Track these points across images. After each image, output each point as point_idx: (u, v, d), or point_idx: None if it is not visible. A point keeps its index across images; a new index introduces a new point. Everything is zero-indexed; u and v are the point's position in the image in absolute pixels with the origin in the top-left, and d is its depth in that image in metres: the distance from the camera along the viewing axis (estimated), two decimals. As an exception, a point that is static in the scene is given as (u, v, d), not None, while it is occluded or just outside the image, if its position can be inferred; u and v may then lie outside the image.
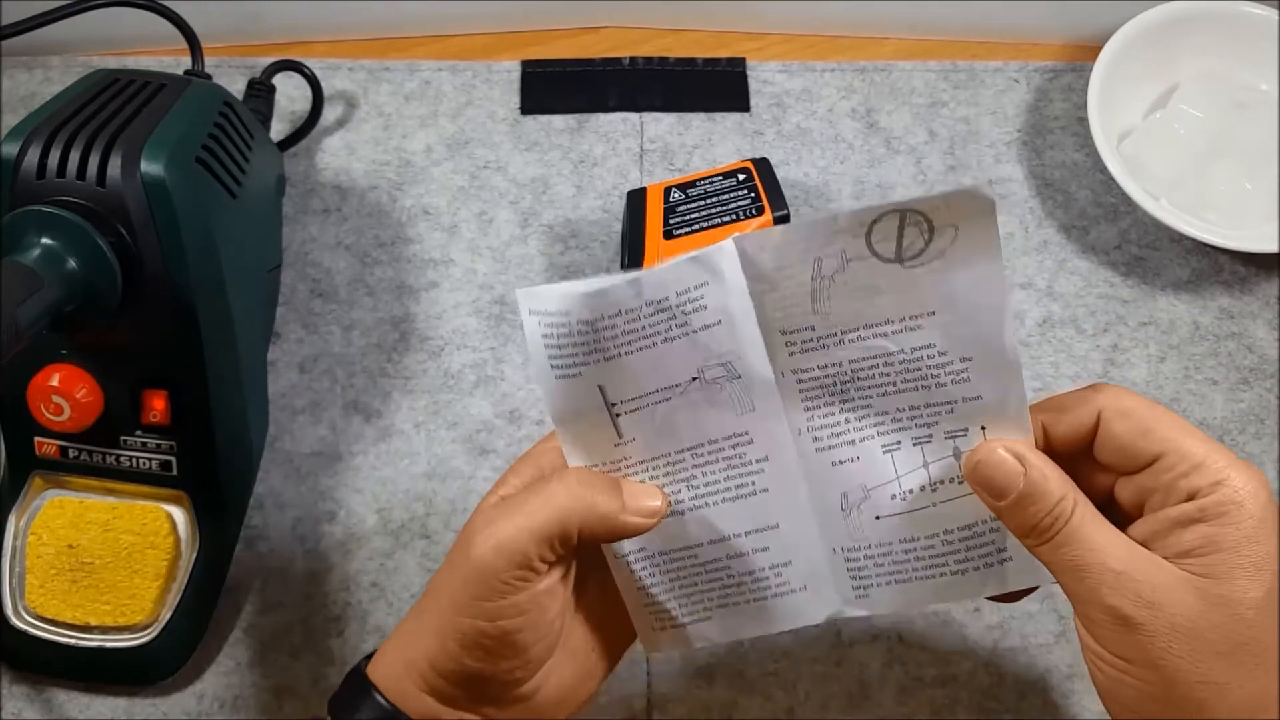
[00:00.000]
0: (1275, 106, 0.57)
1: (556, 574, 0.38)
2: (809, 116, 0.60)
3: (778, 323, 0.38)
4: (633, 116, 0.60)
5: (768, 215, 0.51)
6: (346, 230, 0.58)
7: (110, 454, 0.48)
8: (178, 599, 0.48)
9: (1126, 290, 0.57)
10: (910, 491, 0.40)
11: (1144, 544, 0.35)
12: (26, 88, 0.60)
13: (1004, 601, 0.41)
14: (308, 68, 0.58)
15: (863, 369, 0.39)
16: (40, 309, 0.39)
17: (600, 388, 0.39)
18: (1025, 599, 0.42)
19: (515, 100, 0.61)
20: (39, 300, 0.39)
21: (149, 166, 0.42)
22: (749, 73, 0.61)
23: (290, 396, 0.54)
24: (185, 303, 0.44)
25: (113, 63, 0.61)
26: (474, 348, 0.55)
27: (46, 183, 0.42)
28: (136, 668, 0.48)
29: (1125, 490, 0.37)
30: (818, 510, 0.40)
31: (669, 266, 0.38)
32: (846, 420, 0.39)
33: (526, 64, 0.61)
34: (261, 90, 0.57)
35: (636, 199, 0.53)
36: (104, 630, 0.47)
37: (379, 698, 0.38)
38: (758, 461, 0.40)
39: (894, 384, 0.39)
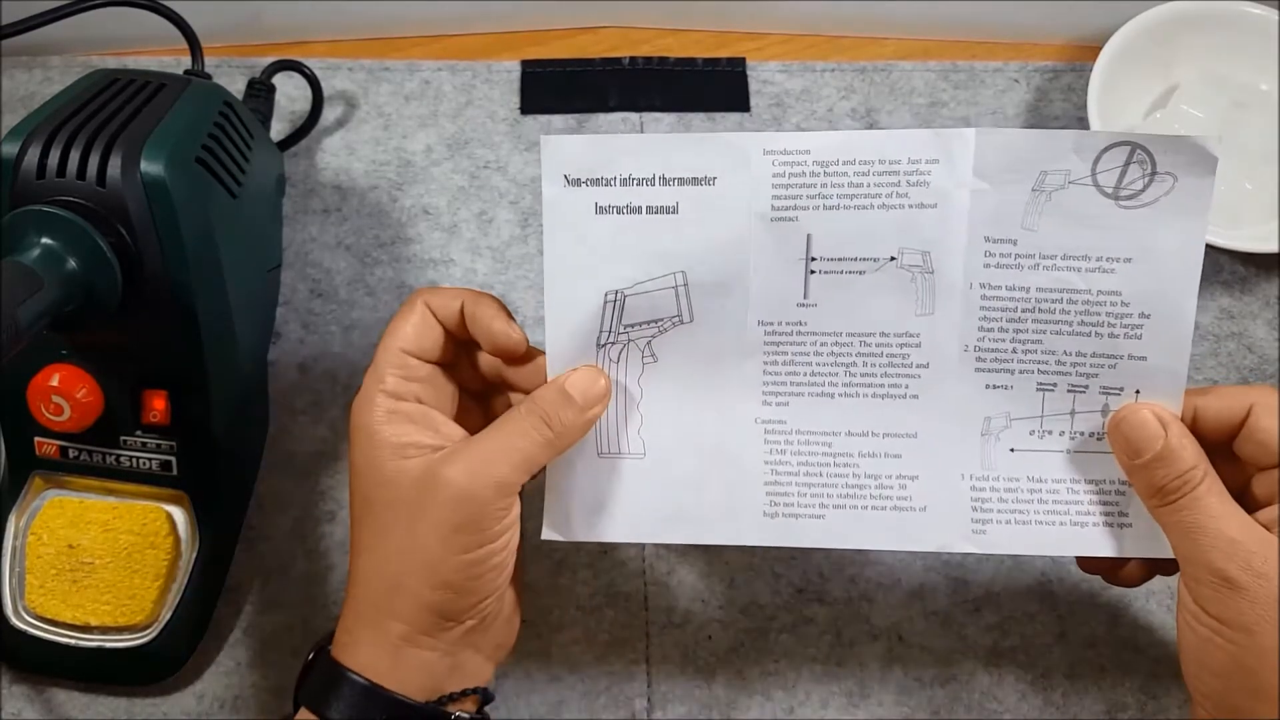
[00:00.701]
0: (1275, 106, 0.57)
1: (519, 503, 0.40)
2: (809, 116, 0.60)
3: (985, 227, 0.40)
4: (633, 116, 0.60)
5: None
6: (346, 230, 0.58)
7: (110, 454, 0.48)
8: (178, 599, 0.48)
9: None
10: (1050, 433, 0.42)
11: (1265, 527, 0.38)
12: (26, 88, 0.60)
13: (1107, 578, 0.44)
14: (308, 68, 0.58)
15: (1046, 301, 0.41)
16: (40, 309, 0.39)
17: (809, 236, 0.41)
18: (1108, 582, 0.44)
19: (515, 100, 0.61)
20: (39, 300, 0.39)
21: (149, 166, 0.42)
22: (749, 73, 0.61)
23: (290, 396, 0.54)
24: (185, 303, 0.44)
25: (113, 63, 0.61)
26: (474, 348, 0.55)
27: (46, 183, 0.42)
28: (136, 668, 0.48)
29: (1260, 484, 0.40)
30: (959, 430, 0.42)
31: (910, 132, 0.40)
32: (1013, 350, 0.41)
33: (526, 64, 0.62)
34: (261, 90, 0.57)
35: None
36: (104, 630, 0.47)
37: (355, 677, 0.39)
38: (918, 366, 0.42)
39: (1070, 324, 0.41)
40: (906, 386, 0.42)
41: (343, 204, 0.58)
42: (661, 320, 0.42)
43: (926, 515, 0.42)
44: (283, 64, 0.58)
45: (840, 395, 0.42)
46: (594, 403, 0.41)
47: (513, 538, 0.40)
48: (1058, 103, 0.61)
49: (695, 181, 0.41)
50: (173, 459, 0.47)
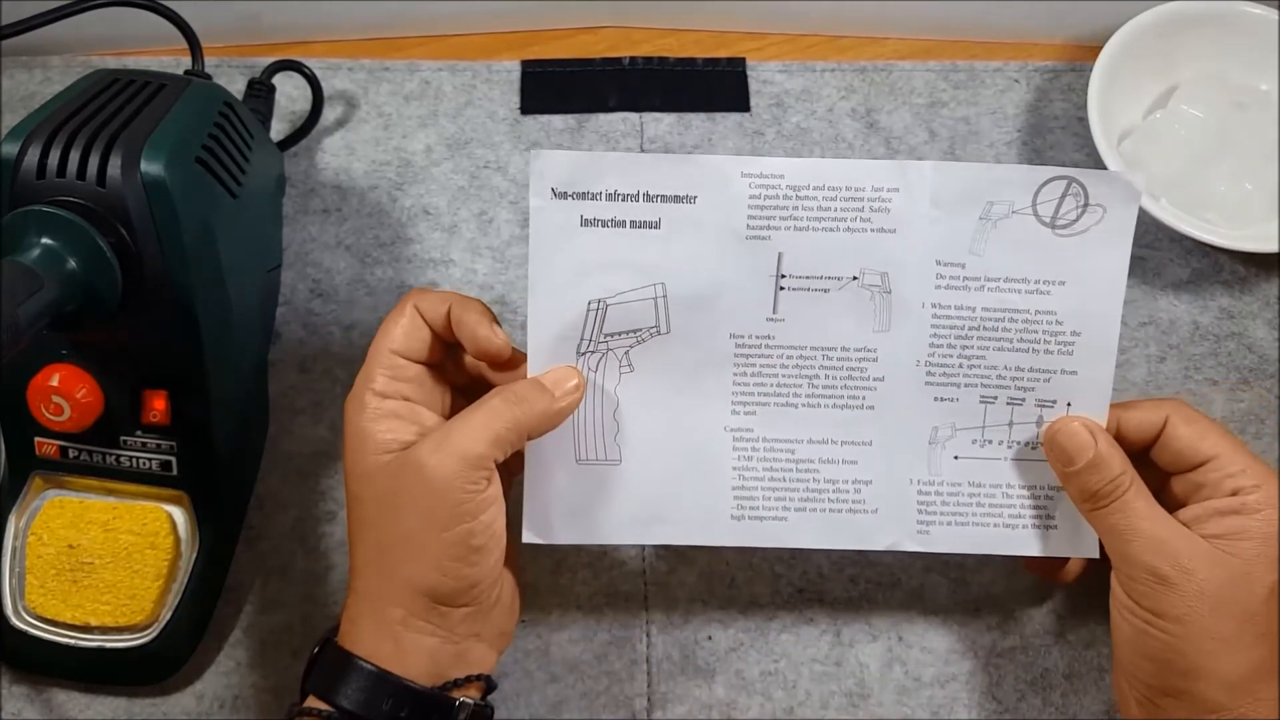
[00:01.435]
0: (1275, 106, 0.57)
1: (497, 481, 0.41)
2: (809, 116, 0.60)
3: (937, 251, 0.44)
4: (633, 116, 0.60)
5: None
6: (346, 230, 0.58)
7: (110, 454, 0.47)
8: (178, 599, 0.48)
9: (1126, 290, 0.57)
10: (990, 442, 0.46)
11: (1185, 525, 0.42)
12: (26, 88, 0.60)
13: (1042, 575, 0.49)
14: (308, 68, 0.58)
15: (990, 320, 0.45)
16: (40, 309, 0.39)
17: (779, 255, 0.44)
18: (1046, 580, 0.48)
19: (515, 100, 0.61)
20: (39, 300, 0.39)
21: (149, 166, 0.42)
22: (749, 73, 0.61)
23: (290, 396, 0.54)
24: (185, 303, 0.44)
25: (113, 63, 0.61)
26: (474, 348, 0.55)
27: (46, 183, 0.42)
28: (136, 668, 0.48)
29: (1177, 485, 0.45)
30: (909, 438, 0.46)
31: (874, 162, 0.44)
32: (960, 365, 0.45)
33: (526, 64, 0.61)
34: (261, 90, 0.57)
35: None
36: (104, 630, 0.47)
37: (363, 664, 0.40)
38: (875, 380, 0.45)
39: (1011, 341, 0.45)
40: (864, 398, 0.45)
41: (343, 204, 0.58)
42: (640, 330, 0.44)
43: (878, 517, 0.46)
44: (283, 64, 0.58)
45: (803, 405, 0.45)
46: (566, 394, 0.43)
47: (494, 519, 0.41)
48: (1058, 103, 0.61)
49: (677, 199, 0.43)
50: (173, 459, 0.47)
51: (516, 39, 0.63)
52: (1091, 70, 0.57)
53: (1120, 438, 0.45)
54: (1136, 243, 0.57)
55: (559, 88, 0.61)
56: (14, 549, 0.48)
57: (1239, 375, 0.56)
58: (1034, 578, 0.51)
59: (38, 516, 0.48)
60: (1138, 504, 0.42)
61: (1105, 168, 0.55)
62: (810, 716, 0.50)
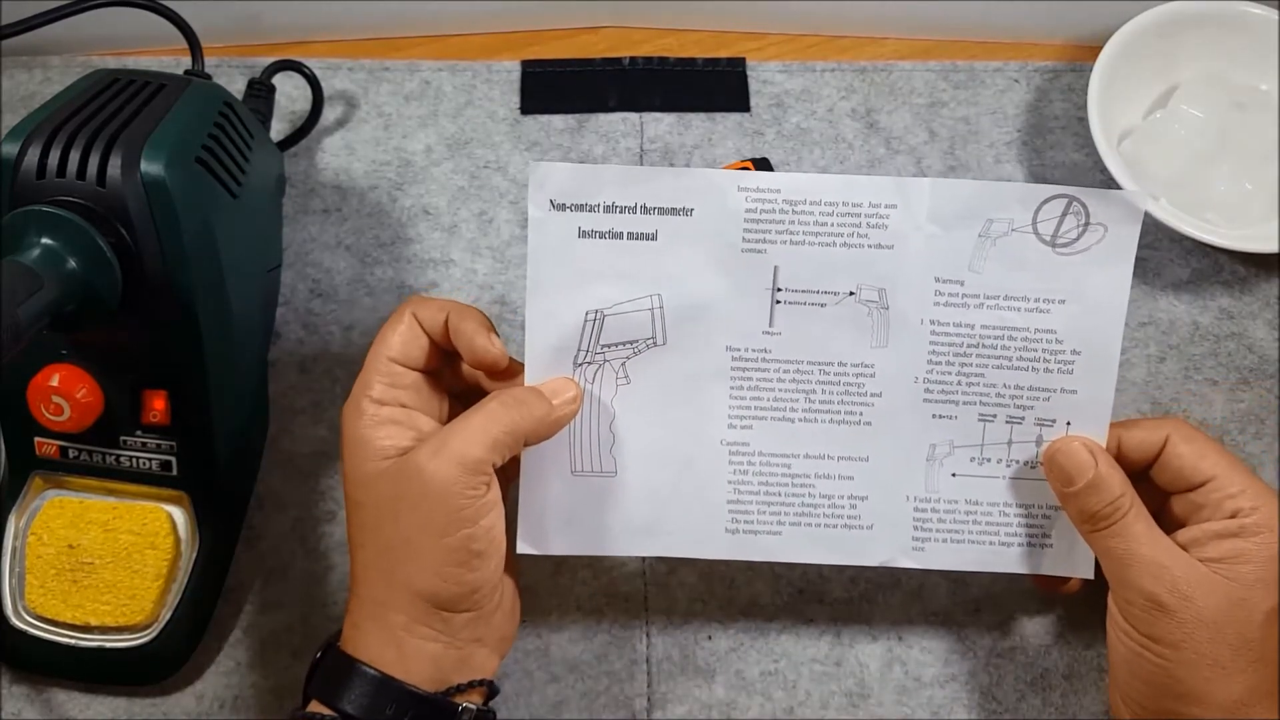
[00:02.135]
0: (1275, 106, 0.57)
1: (496, 486, 0.41)
2: (809, 116, 0.60)
3: (936, 268, 0.44)
4: (633, 116, 0.60)
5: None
6: (346, 230, 0.58)
7: (110, 454, 0.47)
8: (178, 599, 0.48)
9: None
10: (988, 460, 0.45)
11: (1184, 548, 0.42)
12: (26, 88, 0.60)
13: (1046, 590, 0.49)
14: (308, 68, 0.58)
15: (989, 338, 0.44)
16: (40, 309, 0.39)
17: (775, 268, 0.44)
18: (1048, 595, 0.48)
19: (515, 100, 0.61)
20: (39, 300, 0.39)
21: (149, 166, 0.42)
22: (749, 73, 0.61)
23: (290, 396, 0.54)
24: (185, 303, 0.44)
25: (113, 63, 0.61)
26: (474, 348, 0.55)
27: (46, 183, 0.42)
28: (136, 668, 0.48)
29: (1177, 505, 0.44)
30: (906, 455, 0.46)
31: (872, 178, 0.44)
32: (958, 383, 0.45)
33: (526, 64, 0.61)
34: (261, 90, 0.57)
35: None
36: (104, 630, 0.47)
37: (366, 669, 0.40)
38: (872, 395, 0.45)
39: (1010, 359, 0.45)
40: (861, 414, 0.45)
41: (343, 204, 0.58)
42: (636, 342, 0.44)
43: (873, 533, 0.46)
44: (283, 64, 0.58)
45: (800, 420, 0.45)
46: (564, 403, 0.43)
47: (494, 523, 0.41)
48: (1058, 103, 0.61)
49: (674, 212, 0.44)
50: (173, 459, 0.47)
51: (516, 39, 0.63)
52: (1091, 70, 0.57)
53: (1120, 457, 0.44)
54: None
55: (559, 88, 0.61)
56: (14, 549, 0.48)
57: (1239, 375, 0.56)
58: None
59: (38, 516, 0.48)
60: (1137, 527, 0.42)
61: (1105, 168, 0.55)
62: (810, 716, 0.50)
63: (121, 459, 0.48)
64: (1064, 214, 0.43)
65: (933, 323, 0.44)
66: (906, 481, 0.46)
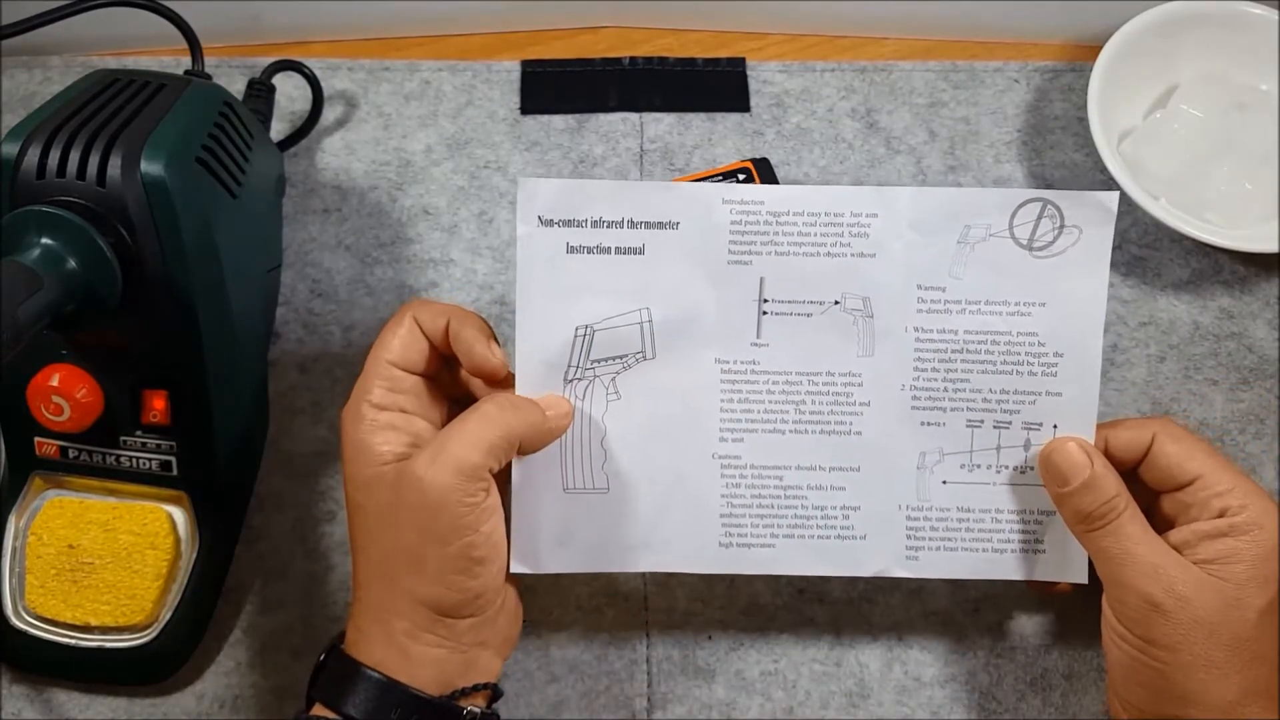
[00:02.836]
0: (1275, 106, 0.57)
1: (495, 491, 0.41)
2: (809, 116, 0.60)
3: (918, 275, 0.44)
4: (633, 116, 0.60)
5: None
6: (346, 230, 0.58)
7: (110, 454, 0.48)
8: (178, 599, 0.48)
9: (1126, 290, 0.57)
10: (978, 466, 0.46)
11: (1175, 549, 0.42)
12: (26, 88, 0.60)
13: (1040, 594, 0.49)
14: (308, 68, 0.58)
15: (972, 342, 0.45)
16: (40, 309, 0.39)
17: (761, 280, 0.44)
18: (1042, 598, 0.47)
19: (515, 100, 0.61)
20: (39, 300, 0.39)
21: (149, 166, 0.42)
22: (749, 73, 0.61)
23: (290, 396, 0.54)
24: (185, 303, 0.44)
25: (113, 63, 0.61)
26: (474, 348, 0.55)
27: (46, 183, 0.42)
28: (136, 668, 0.48)
29: (1166, 504, 0.44)
30: (897, 464, 0.46)
31: (853, 188, 0.45)
32: (945, 389, 0.45)
33: (526, 64, 0.61)
34: (261, 90, 0.57)
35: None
36: (104, 630, 0.47)
37: (371, 672, 0.40)
38: (861, 405, 0.45)
39: (994, 363, 0.45)
40: (850, 423, 0.46)
41: (343, 204, 0.58)
42: (626, 356, 0.45)
43: (866, 543, 0.46)
44: (283, 64, 0.58)
45: (790, 431, 0.45)
46: (557, 416, 0.43)
47: (495, 529, 0.41)
48: (1058, 103, 0.61)
49: (660, 226, 0.44)
50: (173, 459, 0.47)
51: (516, 39, 0.63)
52: (1091, 70, 0.57)
53: (1108, 457, 0.44)
54: (1136, 243, 0.58)
55: (559, 88, 0.61)
56: (14, 549, 0.48)
57: (1239, 375, 0.56)
58: (1034, 578, 0.51)
59: (38, 516, 0.48)
60: (1131, 528, 0.42)
61: (1105, 168, 0.55)
62: (810, 716, 0.50)
63: (121, 459, 0.48)
64: (1039, 217, 0.44)
65: (917, 330, 0.45)
66: (898, 490, 0.46)
